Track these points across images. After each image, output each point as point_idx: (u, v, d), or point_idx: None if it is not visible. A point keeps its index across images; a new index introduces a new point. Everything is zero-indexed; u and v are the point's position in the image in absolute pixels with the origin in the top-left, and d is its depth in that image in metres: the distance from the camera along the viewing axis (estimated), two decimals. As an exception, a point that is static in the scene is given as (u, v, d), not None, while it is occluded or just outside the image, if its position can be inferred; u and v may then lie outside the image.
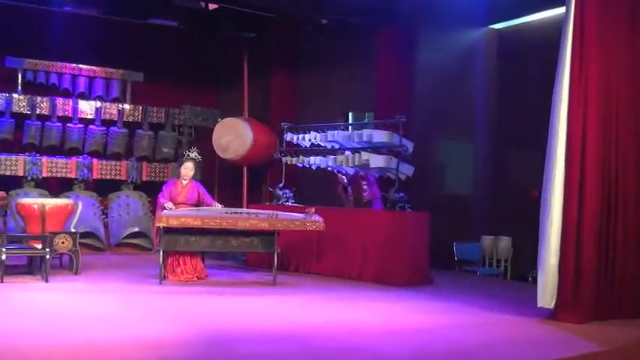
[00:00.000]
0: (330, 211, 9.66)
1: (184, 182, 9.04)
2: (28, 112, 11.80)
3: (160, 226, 8.40)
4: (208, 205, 8.92)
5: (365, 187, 10.20)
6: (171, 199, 8.82)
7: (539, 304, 6.96)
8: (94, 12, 12.19)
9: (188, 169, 9.04)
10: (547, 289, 6.90)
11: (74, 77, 12.27)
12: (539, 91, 9.22)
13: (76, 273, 8.79)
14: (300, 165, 10.67)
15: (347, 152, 10.06)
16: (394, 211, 9.25)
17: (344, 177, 10.46)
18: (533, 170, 8.30)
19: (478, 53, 11.49)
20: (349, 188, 10.40)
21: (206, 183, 9.81)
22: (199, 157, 9.23)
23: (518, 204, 10.58)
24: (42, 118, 11.93)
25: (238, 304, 7.46)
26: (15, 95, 11.75)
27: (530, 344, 5.95)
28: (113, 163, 12.34)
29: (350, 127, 10.48)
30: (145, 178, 12.58)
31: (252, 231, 8.63)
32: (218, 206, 8.88)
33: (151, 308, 7.00)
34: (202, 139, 12.93)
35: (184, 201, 8.92)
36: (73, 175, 12.01)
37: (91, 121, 12.26)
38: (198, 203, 8.98)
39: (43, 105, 11.90)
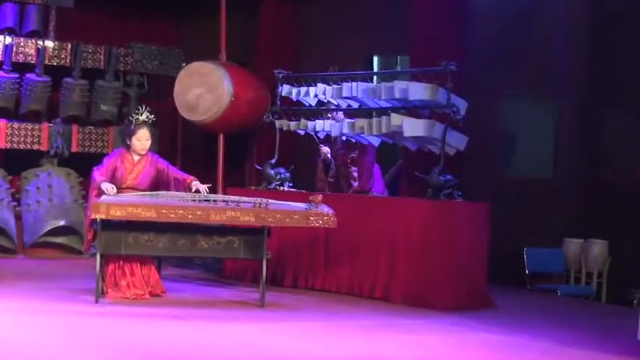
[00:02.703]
0: (344, 199, 9.66)
1: (137, 158, 9.02)
2: None
3: (96, 219, 8.40)
4: (179, 182, 8.92)
5: (354, 174, 10.22)
6: (116, 182, 8.81)
7: (647, 338, 6.98)
8: None
9: (143, 139, 8.96)
10: (659, 318, 6.92)
11: (-27, 1, 12.29)
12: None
13: (-26, 285, 8.86)
14: (302, 132, 10.68)
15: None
16: (438, 201, 9.25)
17: (327, 150, 10.48)
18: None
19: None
20: (332, 165, 10.44)
21: (164, 157, 9.77)
22: (152, 116, 9.07)
23: (618, 194, 10.55)
24: None
25: (209, 333, 7.47)
26: None
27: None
28: (29, 126, 12.36)
29: (375, 78, 10.45)
30: (75, 149, 12.60)
31: (230, 227, 8.66)
32: (200, 187, 8.84)
33: (82, 336, 7.01)
34: (159, 92, 12.92)
35: (135, 185, 8.92)
36: (-30, 144, 12.08)
37: (-2, 65, 12.29)
38: (157, 186, 8.98)
39: None
